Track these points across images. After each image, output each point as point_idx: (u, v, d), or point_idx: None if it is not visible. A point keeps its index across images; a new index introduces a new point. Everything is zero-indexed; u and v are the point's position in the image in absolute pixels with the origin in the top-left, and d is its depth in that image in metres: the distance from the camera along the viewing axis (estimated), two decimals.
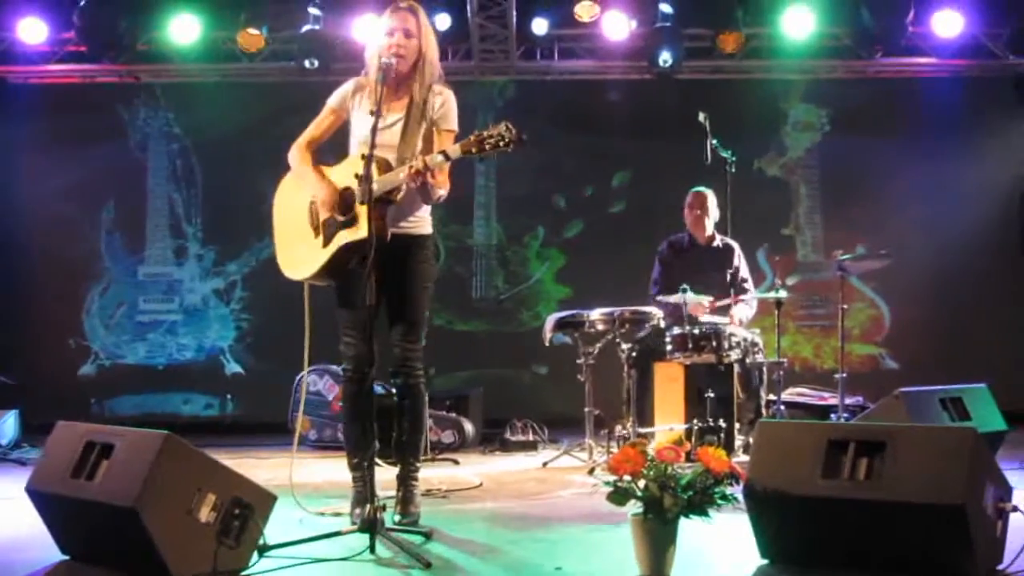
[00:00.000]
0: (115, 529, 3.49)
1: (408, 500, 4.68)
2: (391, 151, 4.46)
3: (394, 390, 4.71)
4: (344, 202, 4.46)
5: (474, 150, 4.15)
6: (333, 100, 4.74)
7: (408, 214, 4.55)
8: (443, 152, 4.25)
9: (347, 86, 4.73)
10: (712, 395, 6.48)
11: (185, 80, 10.11)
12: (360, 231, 4.27)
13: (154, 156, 10.20)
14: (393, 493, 4.71)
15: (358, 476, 4.61)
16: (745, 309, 7.18)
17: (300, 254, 4.61)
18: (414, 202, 4.55)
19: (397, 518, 4.58)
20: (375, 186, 4.24)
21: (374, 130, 4.16)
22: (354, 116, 4.66)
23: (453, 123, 4.61)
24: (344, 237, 4.41)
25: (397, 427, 4.74)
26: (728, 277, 7.25)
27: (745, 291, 7.24)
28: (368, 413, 4.57)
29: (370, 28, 4.76)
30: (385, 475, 5.07)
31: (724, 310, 7.09)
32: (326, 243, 4.50)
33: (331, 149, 4.78)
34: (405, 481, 4.70)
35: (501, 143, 4.11)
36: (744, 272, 7.40)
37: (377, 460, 4.69)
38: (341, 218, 4.44)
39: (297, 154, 4.69)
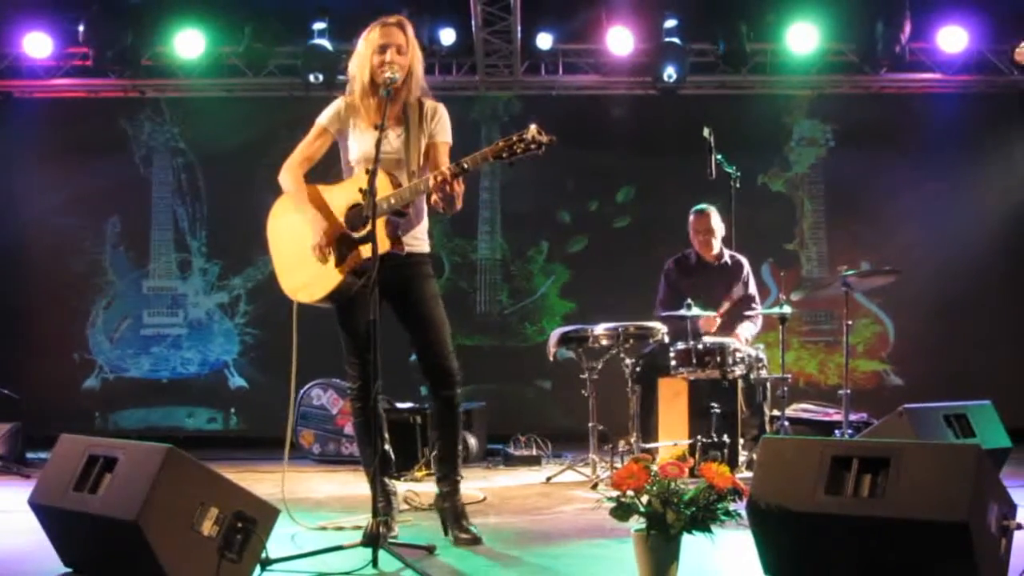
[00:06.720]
0: (117, 542, 3.49)
1: (462, 515, 4.56)
2: (397, 166, 4.47)
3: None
4: (353, 220, 4.41)
5: (505, 155, 4.09)
6: (324, 120, 4.66)
7: (409, 231, 4.52)
8: (476, 156, 4.16)
9: (337, 105, 4.65)
10: (716, 411, 6.48)
11: (190, 95, 10.14)
12: (379, 245, 4.11)
13: (159, 170, 10.22)
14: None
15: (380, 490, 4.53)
16: (750, 327, 7.18)
17: (308, 276, 4.49)
18: (416, 219, 4.55)
19: (452, 539, 4.48)
20: (392, 200, 4.25)
21: (378, 144, 4.12)
22: (351, 135, 4.60)
23: (449, 135, 4.63)
24: (363, 254, 4.32)
25: (437, 441, 4.68)
26: (737, 292, 7.24)
27: (752, 309, 7.23)
28: (378, 428, 4.52)
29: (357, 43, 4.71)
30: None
31: (730, 326, 7.08)
32: (339, 263, 4.41)
33: (323, 170, 4.75)
34: (451, 497, 4.59)
35: (532, 146, 4.05)
36: (752, 289, 7.39)
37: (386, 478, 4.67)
38: (355, 235, 4.38)
39: (290, 178, 4.60)
